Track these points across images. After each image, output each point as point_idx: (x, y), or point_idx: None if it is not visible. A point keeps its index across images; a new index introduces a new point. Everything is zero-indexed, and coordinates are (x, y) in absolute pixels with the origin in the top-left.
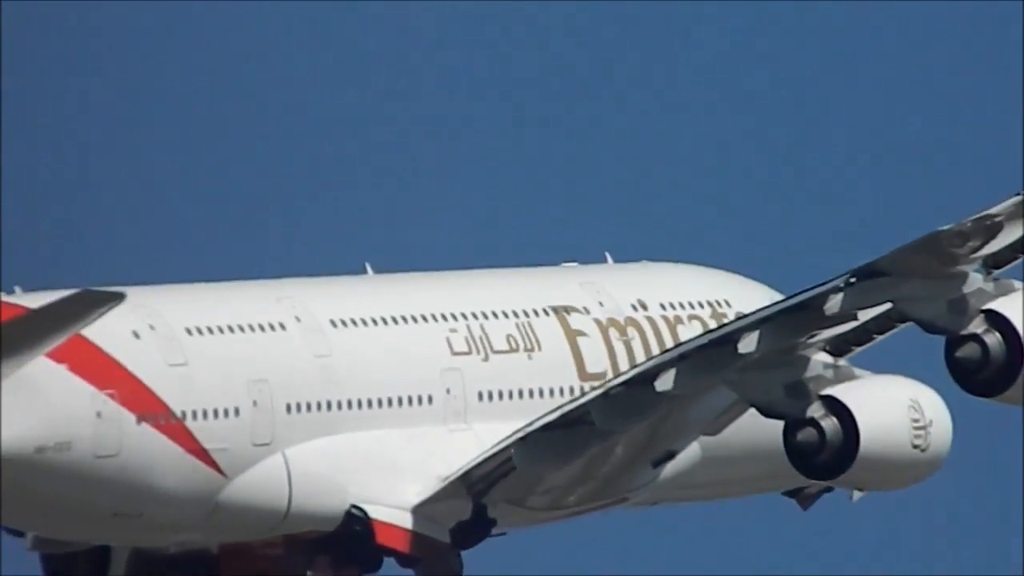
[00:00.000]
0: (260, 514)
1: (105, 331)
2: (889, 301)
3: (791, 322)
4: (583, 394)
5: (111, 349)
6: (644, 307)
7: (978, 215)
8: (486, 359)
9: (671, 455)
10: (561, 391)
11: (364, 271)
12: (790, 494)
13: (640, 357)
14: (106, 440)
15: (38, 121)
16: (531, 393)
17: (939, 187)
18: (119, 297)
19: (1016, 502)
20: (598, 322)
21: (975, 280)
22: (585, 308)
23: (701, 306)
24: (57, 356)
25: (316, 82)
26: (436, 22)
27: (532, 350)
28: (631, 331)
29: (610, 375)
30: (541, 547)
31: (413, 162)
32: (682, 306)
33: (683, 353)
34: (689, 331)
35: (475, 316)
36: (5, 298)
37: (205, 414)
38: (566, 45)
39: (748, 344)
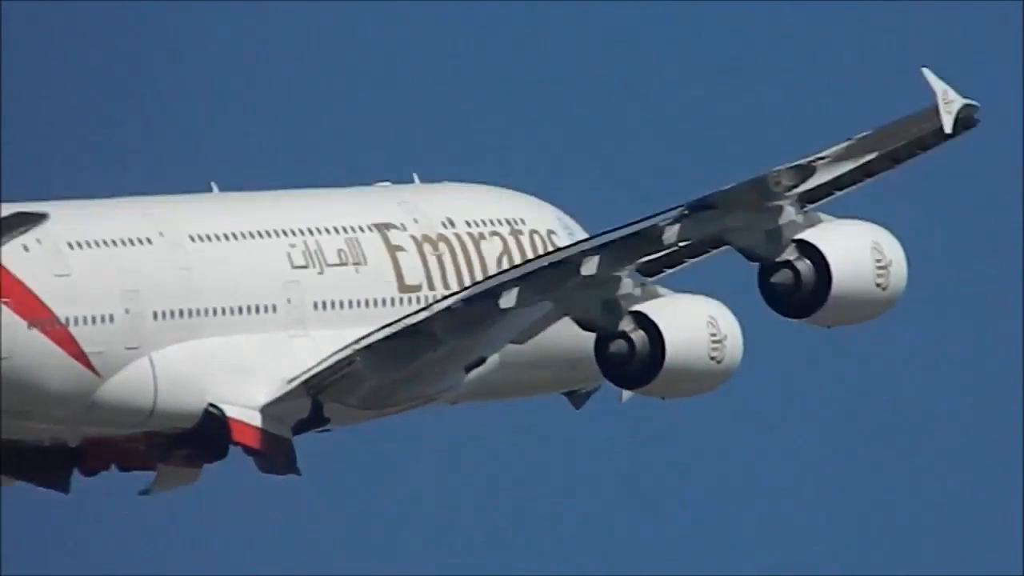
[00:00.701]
0: (129, 412)
1: None
2: (714, 231)
3: (628, 247)
4: (413, 306)
5: (4, 261)
6: (452, 224)
7: (802, 160)
8: (321, 272)
9: (482, 361)
10: (384, 302)
11: (211, 189)
12: (567, 394)
13: (451, 271)
14: (4, 345)
15: (38, 120)
16: (359, 303)
17: (939, 187)
18: (44, 217)
19: (1016, 502)
20: (414, 238)
21: (788, 213)
22: (403, 225)
23: (500, 223)
24: None
25: None
26: None
27: (359, 264)
28: (442, 246)
29: (425, 287)
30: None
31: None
32: (484, 223)
33: (527, 272)
34: (490, 246)
35: (311, 232)
36: None
37: (85, 320)
38: None
39: (590, 267)
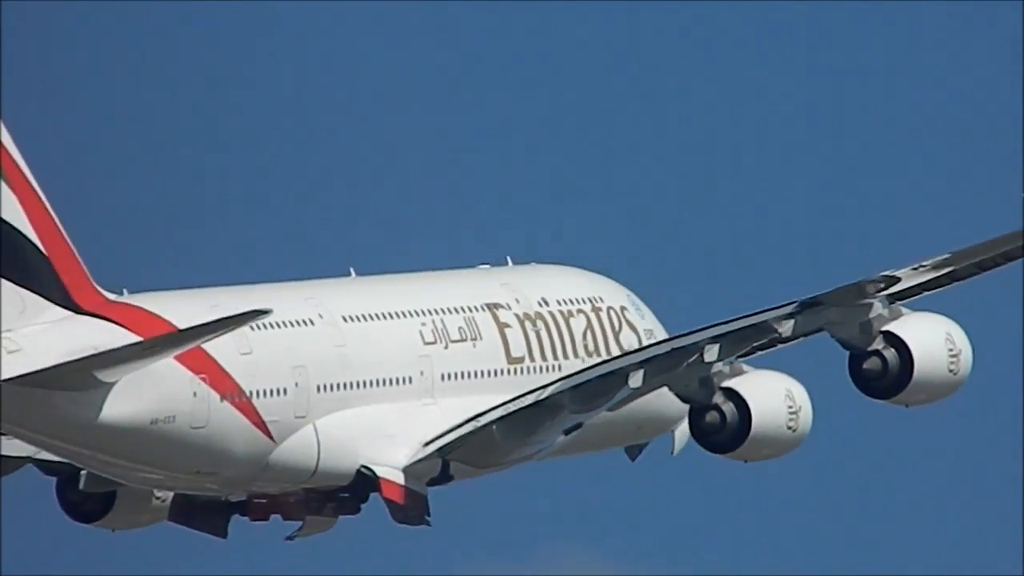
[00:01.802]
0: (297, 472)
1: (191, 324)
2: (817, 325)
3: (743, 337)
4: (517, 376)
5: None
6: (546, 303)
7: (899, 271)
8: (446, 347)
9: (580, 425)
10: (495, 372)
11: (349, 274)
12: (625, 448)
13: (547, 344)
14: (199, 414)
15: (39, 121)
16: (476, 374)
17: (938, 187)
18: (268, 312)
19: (1016, 502)
20: (517, 316)
21: (878, 308)
22: (508, 304)
23: (584, 302)
24: None
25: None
26: None
27: (476, 339)
28: (539, 323)
29: (527, 359)
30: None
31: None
32: (571, 302)
33: (653, 356)
34: (577, 322)
35: (436, 312)
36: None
37: (265, 393)
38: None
39: (712, 354)
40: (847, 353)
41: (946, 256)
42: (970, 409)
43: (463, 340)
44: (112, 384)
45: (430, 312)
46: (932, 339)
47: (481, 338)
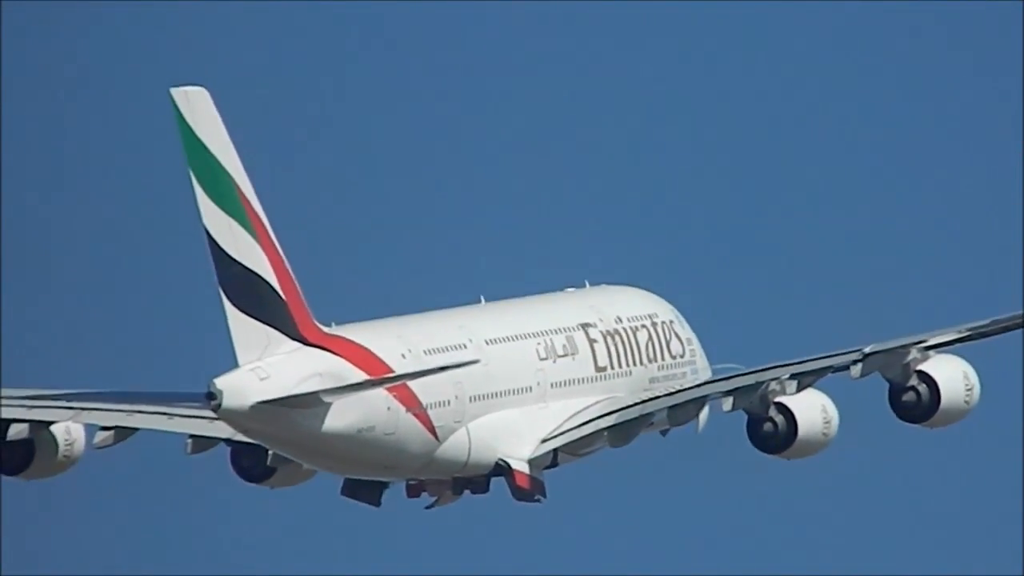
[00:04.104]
0: (452, 465)
1: (387, 353)
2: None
3: (817, 375)
4: (601, 382)
5: (392, 364)
6: (621, 320)
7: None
8: (555, 362)
9: (666, 431)
10: (587, 380)
11: (479, 300)
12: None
13: (623, 355)
14: (390, 424)
15: (38, 121)
16: (574, 382)
17: (940, 186)
18: (475, 362)
19: (1016, 502)
20: (601, 332)
21: (914, 352)
22: (594, 323)
23: (645, 318)
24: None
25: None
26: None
27: (575, 354)
28: (617, 338)
29: (609, 368)
30: None
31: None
32: (637, 318)
33: (737, 387)
34: (642, 335)
35: (545, 333)
36: (334, 329)
37: (435, 405)
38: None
39: (791, 388)
40: (887, 385)
41: (985, 323)
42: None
43: (566, 355)
44: (331, 403)
45: (542, 333)
46: (954, 377)
47: (578, 352)
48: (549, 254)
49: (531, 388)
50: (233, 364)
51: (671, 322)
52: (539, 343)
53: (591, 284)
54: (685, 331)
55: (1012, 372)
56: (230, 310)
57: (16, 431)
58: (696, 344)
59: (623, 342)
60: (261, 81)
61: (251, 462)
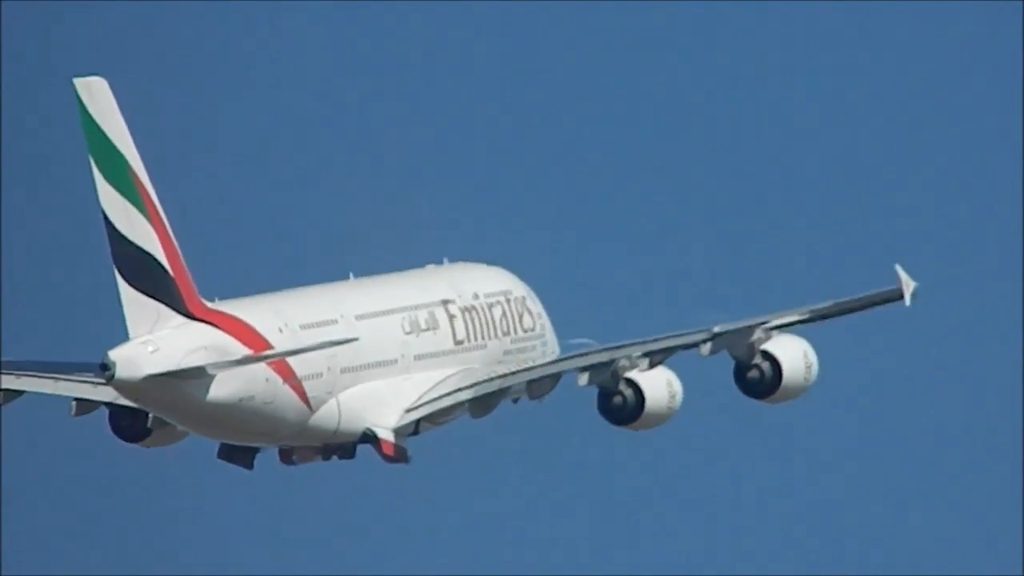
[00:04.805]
0: (324, 432)
1: (266, 327)
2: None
3: (669, 352)
4: (460, 355)
5: (270, 338)
6: (477, 296)
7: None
8: (417, 336)
9: (516, 400)
10: (445, 352)
11: (348, 277)
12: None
13: (479, 329)
14: (269, 394)
15: (38, 120)
16: (435, 354)
17: (940, 186)
18: (354, 339)
19: (1016, 502)
20: (460, 308)
21: (758, 333)
22: (453, 299)
23: (499, 295)
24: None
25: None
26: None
27: (436, 328)
28: (474, 313)
29: (466, 342)
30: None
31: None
32: (492, 295)
33: (591, 364)
34: (497, 310)
35: (408, 308)
36: (217, 304)
37: (310, 377)
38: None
39: (644, 364)
40: (733, 363)
41: (829, 304)
42: (971, 409)
43: (427, 329)
44: (215, 375)
45: (406, 309)
46: (795, 355)
47: (439, 327)
48: (413, 232)
49: (396, 361)
50: (125, 337)
51: (523, 298)
52: (404, 318)
53: (450, 261)
54: (536, 307)
55: (1012, 372)
56: (123, 286)
57: None
58: (546, 319)
59: (479, 317)
60: (154, 72)
61: (128, 423)
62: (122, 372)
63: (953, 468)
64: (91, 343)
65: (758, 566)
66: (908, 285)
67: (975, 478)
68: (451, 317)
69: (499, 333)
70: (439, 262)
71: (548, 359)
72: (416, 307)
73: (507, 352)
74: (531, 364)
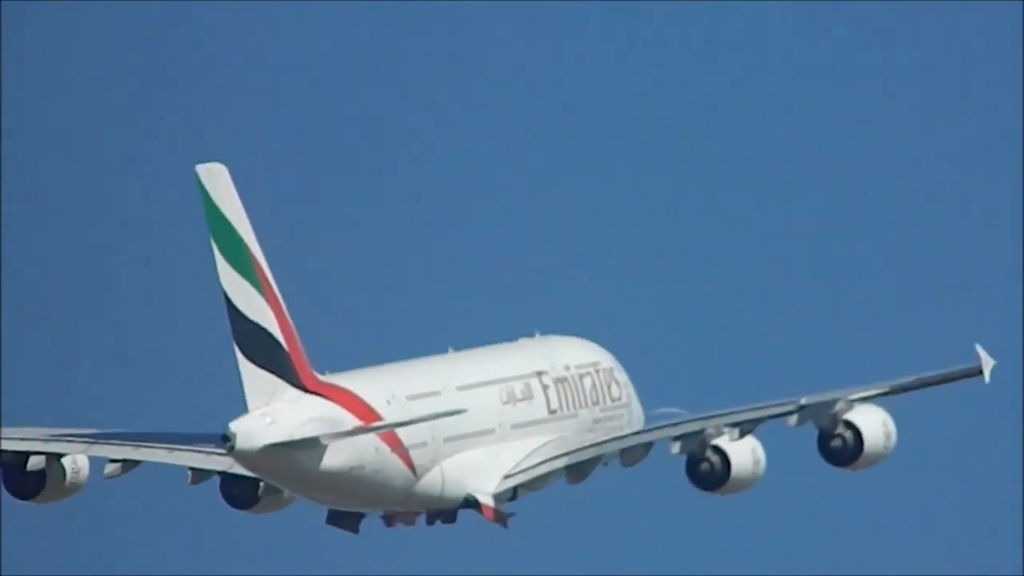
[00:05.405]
0: (429, 498)
1: (374, 399)
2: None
3: (755, 424)
4: (554, 423)
5: (379, 409)
6: (568, 368)
7: (865, 393)
8: (514, 406)
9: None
10: (539, 421)
11: (447, 351)
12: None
13: (571, 399)
14: (378, 463)
15: (38, 121)
16: (529, 424)
17: (940, 186)
18: (462, 411)
19: (1016, 502)
20: (553, 379)
21: (841, 404)
22: (547, 371)
23: (589, 366)
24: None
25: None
26: None
27: (530, 399)
28: (566, 383)
29: (559, 411)
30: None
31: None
32: (582, 366)
33: (684, 433)
34: (588, 381)
35: (505, 379)
36: (328, 377)
37: (415, 446)
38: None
39: (733, 435)
40: (816, 432)
41: (911, 379)
42: (971, 408)
43: (523, 400)
44: (328, 445)
45: (503, 380)
46: (876, 425)
47: (533, 397)
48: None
49: (494, 430)
50: (243, 409)
51: (611, 369)
52: (501, 389)
53: (541, 334)
54: (622, 376)
55: (1012, 372)
56: (242, 361)
57: (35, 462)
58: (631, 388)
59: (571, 387)
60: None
61: (239, 491)
62: (242, 443)
63: (953, 468)
64: (210, 415)
65: None
66: (988, 364)
67: (975, 478)
68: (545, 388)
69: (589, 403)
70: (531, 335)
71: (634, 427)
72: (512, 378)
73: (596, 420)
74: (620, 432)
